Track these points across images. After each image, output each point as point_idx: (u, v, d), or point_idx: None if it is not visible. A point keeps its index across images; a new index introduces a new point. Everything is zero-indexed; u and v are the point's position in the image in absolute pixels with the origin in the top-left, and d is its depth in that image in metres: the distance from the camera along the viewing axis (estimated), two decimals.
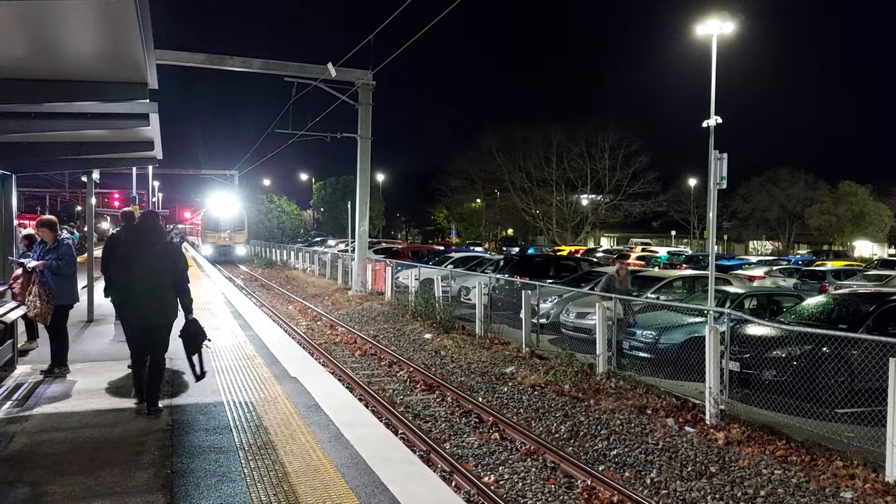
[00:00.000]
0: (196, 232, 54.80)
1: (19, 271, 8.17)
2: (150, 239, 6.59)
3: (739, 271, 26.53)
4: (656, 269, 26.70)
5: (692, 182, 60.86)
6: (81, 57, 5.41)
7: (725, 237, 66.80)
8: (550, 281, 17.55)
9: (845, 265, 33.69)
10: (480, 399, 10.27)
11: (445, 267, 21.37)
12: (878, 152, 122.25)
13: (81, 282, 10.80)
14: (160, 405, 6.57)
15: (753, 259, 41.82)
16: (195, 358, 6.55)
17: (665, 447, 8.00)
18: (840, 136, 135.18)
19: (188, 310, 6.49)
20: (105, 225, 55.56)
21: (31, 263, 7.79)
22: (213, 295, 17.75)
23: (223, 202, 46.57)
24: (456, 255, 26.36)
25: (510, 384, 11.03)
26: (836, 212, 61.79)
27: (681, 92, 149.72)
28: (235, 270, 36.23)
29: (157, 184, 65.34)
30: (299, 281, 30.77)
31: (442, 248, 43.36)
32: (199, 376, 6.65)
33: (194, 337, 6.50)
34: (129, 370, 7.60)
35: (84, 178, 13.58)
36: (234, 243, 43.86)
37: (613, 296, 11.71)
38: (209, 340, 6.74)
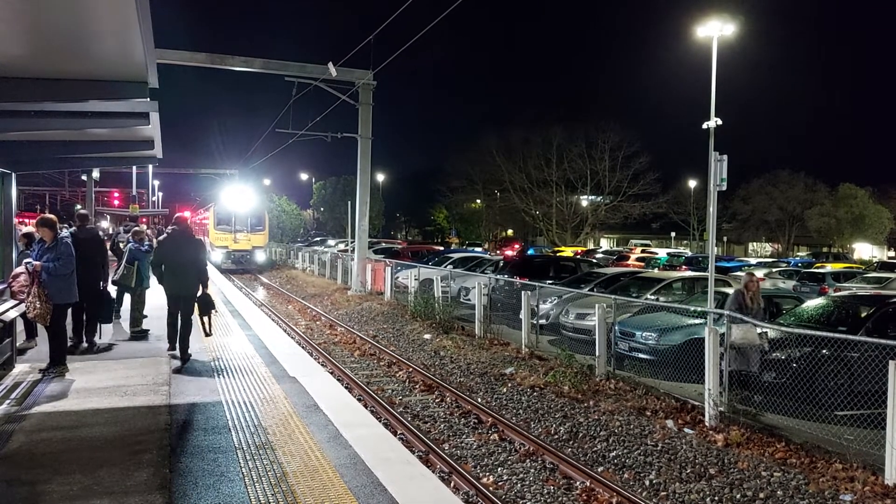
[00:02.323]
0: (200, 231, 40.84)
1: (20, 269, 8.15)
2: (180, 234, 9.17)
3: (739, 273, 26.52)
4: (656, 270, 26.73)
5: (692, 183, 60.80)
6: (81, 55, 5.40)
7: (725, 239, 66.83)
8: (550, 282, 17.53)
9: (845, 267, 33.65)
10: (479, 400, 10.26)
11: (445, 267, 21.35)
12: (878, 155, 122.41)
13: None
14: (189, 353, 8.91)
15: (753, 261, 41.81)
16: (206, 319, 9.21)
17: (664, 449, 7.99)
18: (840, 139, 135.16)
19: (205, 286, 9.03)
20: (105, 224, 55.27)
21: (31, 264, 7.78)
22: (212, 295, 17.71)
23: (238, 194, 36.71)
24: (455, 256, 26.37)
25: (509, 385, 11.01)
26: (835, 214, 61.80)
27: (681, 93, 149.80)
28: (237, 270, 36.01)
29: (157, 182, 65.53)
30: (299, 281, 30.75)
31: (441, 248, 43.33)
32: (208, 334, 9.46)
33: (207, 304, 9.09)
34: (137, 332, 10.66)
35: (84, 177, 13.57)
36: (252, 247, 35.31)
37: (761, 325, 9.27)
38: (216, 311, 9.45)
